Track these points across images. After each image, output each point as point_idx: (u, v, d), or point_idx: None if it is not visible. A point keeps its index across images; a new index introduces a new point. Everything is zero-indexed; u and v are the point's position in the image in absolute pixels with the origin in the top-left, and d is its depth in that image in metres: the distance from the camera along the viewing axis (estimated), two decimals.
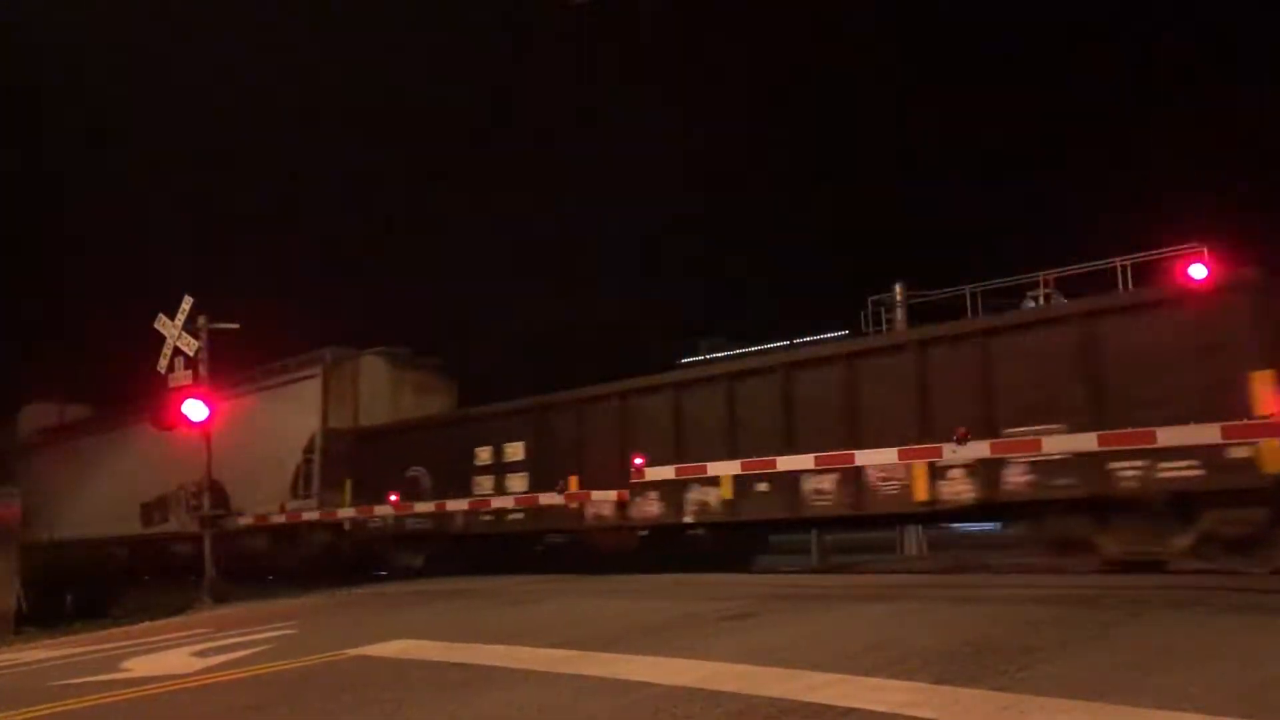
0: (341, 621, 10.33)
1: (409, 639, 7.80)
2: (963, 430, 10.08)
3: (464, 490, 15.06)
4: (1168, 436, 8.91)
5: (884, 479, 10.91)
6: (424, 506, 15.40)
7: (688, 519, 12.56)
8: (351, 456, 17.16)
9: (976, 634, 6.14)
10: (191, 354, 14.80)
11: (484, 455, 15.03)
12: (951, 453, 10.22)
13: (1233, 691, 4.28)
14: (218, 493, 15.15)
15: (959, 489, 10.32)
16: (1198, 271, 11.47)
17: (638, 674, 5.49)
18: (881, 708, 4.30)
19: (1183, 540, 9.17)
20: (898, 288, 17.06)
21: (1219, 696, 4.16)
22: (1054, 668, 4.98)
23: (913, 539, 18.59)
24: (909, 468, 10.57)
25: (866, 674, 5.01)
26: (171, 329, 15.01)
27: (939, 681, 4.75)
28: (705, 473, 12.24)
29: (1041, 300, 14.07)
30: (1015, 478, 9.91)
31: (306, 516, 16.96)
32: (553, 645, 6.77)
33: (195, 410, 14.51)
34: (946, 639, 6.01)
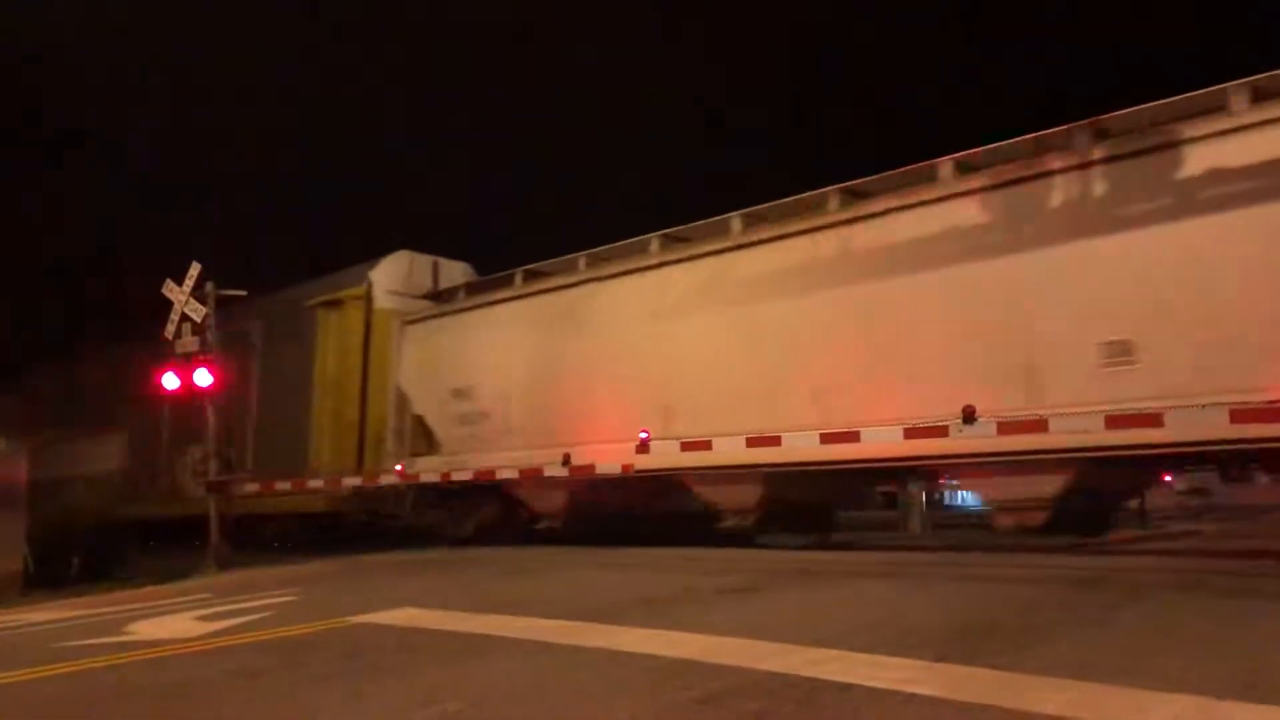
0: (344, 589, 10.39)
1: (411, 607, 7.84)
2: (970, 406, 9.93)
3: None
4: None
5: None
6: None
7: None
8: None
9: (978, 613, 6.16)
10: (199, 320, 14.81)
11: None
12: (958, 432, 10.07)
13: (1232, 674, 4.27)
14: (225, 457, 15.18)
15: None
16: None
17: (637, 645, 5.51)
18: (880, 684, 4.31)
19: None
20: None
21: (1218, 679, 4.15)
22: (1054, 648, 4.98)
23: (916, 517, 18.63)
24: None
25: (866, 650, 5.02)
26: (179, 295, 15.01)
27: (939, 659, 4.76)
28: None
29: None
30: None
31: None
32: (553, 616, 6.80)
33: (202, 376, 14.54)
34: (947, 617, 6.02)
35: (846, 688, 4.30)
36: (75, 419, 24.30)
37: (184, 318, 14.96)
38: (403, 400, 16.69)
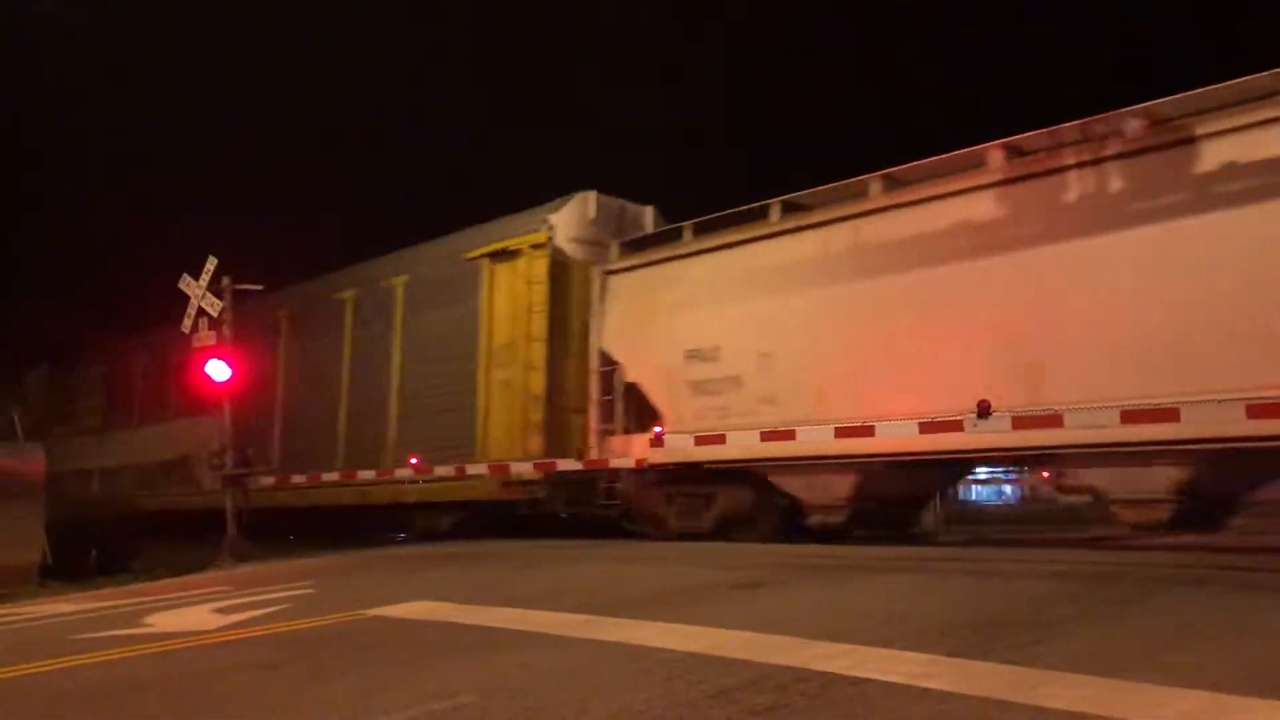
0: (359, 582, 10.44)
1: (426, 600, 7.88)
2: (984, 400, 9.80)
3: None
4: None
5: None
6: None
7: None
8: None
9: (991, 607, 6.15)
10: (215, 314, 14.90)
11: None
12: (972, 426, 9.99)
13: (1247, 670, 4.26)
14: (241, 451, 15.27)
15: None
16: None
17: (651, 640, 5.52)
18: (893, 678, 4.31)
19: None
20: None
21: (1233, 674, 4.14)
22: (1068, 643, 4.97)
23: (930, 512, 18.58)
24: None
25: (879, 645, 5.02)
26: (196, 289, 15.10)
27: (952, 654, 4.75)
28: None
29: None
30: None
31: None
32: (567, 610, 6.82)
33: (218, 370, 14.64)
34: (961, 612, 6.01)
35: (859, 682, 4.30)
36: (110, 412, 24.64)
37: (200, 312, 15.06)
38: (609, 366, 14.21)
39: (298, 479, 18.13)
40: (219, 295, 14.95)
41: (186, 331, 15.25)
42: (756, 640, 5.35)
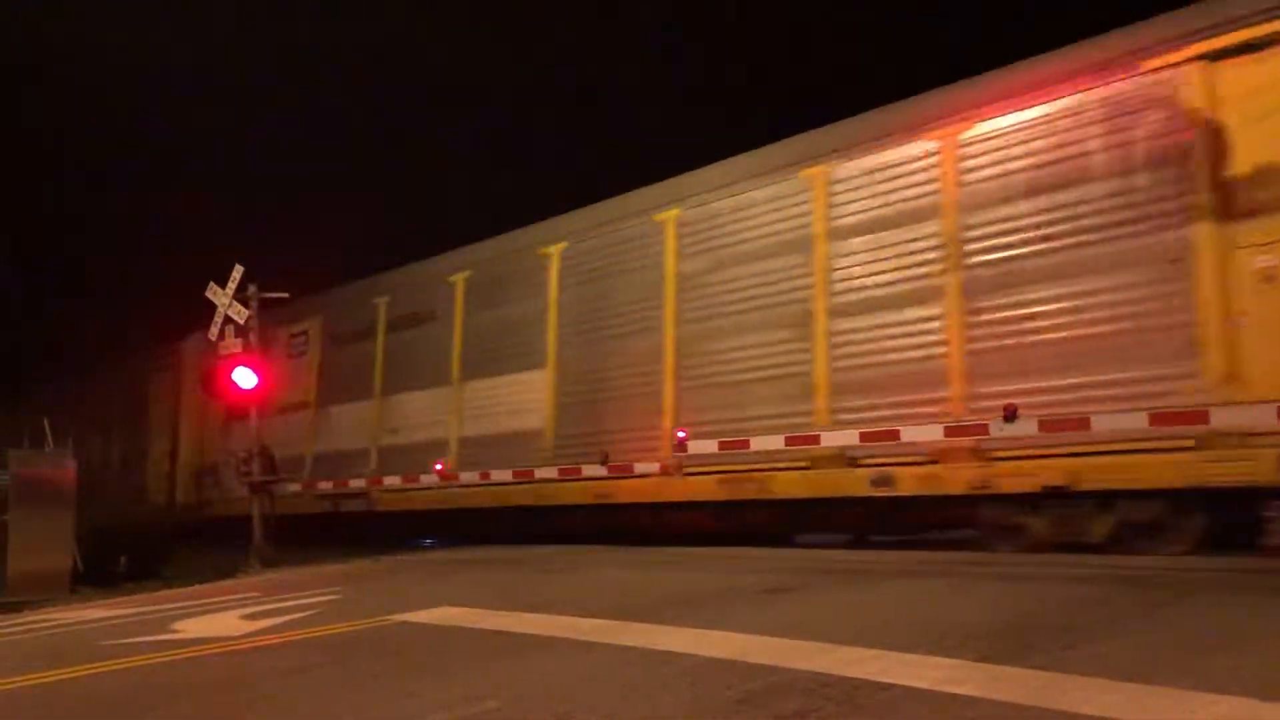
0: (385, 588, 10.49)
1: (451, 606, 7.91)
2: (1011, 405, 9.57)
3: None
4: None
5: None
6: None
7: None
8: None
9: (1019, 612, 6.10)
10: (241, 322, 15.02)
11: None
12: (999, 430, 9.79)
13: None
14: (266, 458, 15.38)
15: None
16: None
17: (676, 645, 5.52)
18: (920, 684, 4.29)
19: None
20: None
21: (1266, 680, 4.09)
22: (1097, 647, 4.93)
23: None
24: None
25: (906, 650, 5.00)
26: (222, 297, 15.23)
27: (980, 659, 4.72)
28: None
29: None
30: None
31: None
32: (592, 615, 6.83)
33: (245, 378, 14.75)
34: (988, 616, 5.97)
35: (886, 687, 4.28)
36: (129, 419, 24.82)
37: (226, 320, 15.19)
38: None
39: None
40: (245, 303, 15.07)
41: (213, 340, 15.39)
42: (783, 645, 5.34)
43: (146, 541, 14.16)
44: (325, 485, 18.18)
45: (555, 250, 15.03)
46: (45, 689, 5.87)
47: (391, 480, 16.84)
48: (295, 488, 17.75)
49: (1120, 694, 4.00)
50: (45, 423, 13.34)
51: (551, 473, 14.22)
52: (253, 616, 8.28)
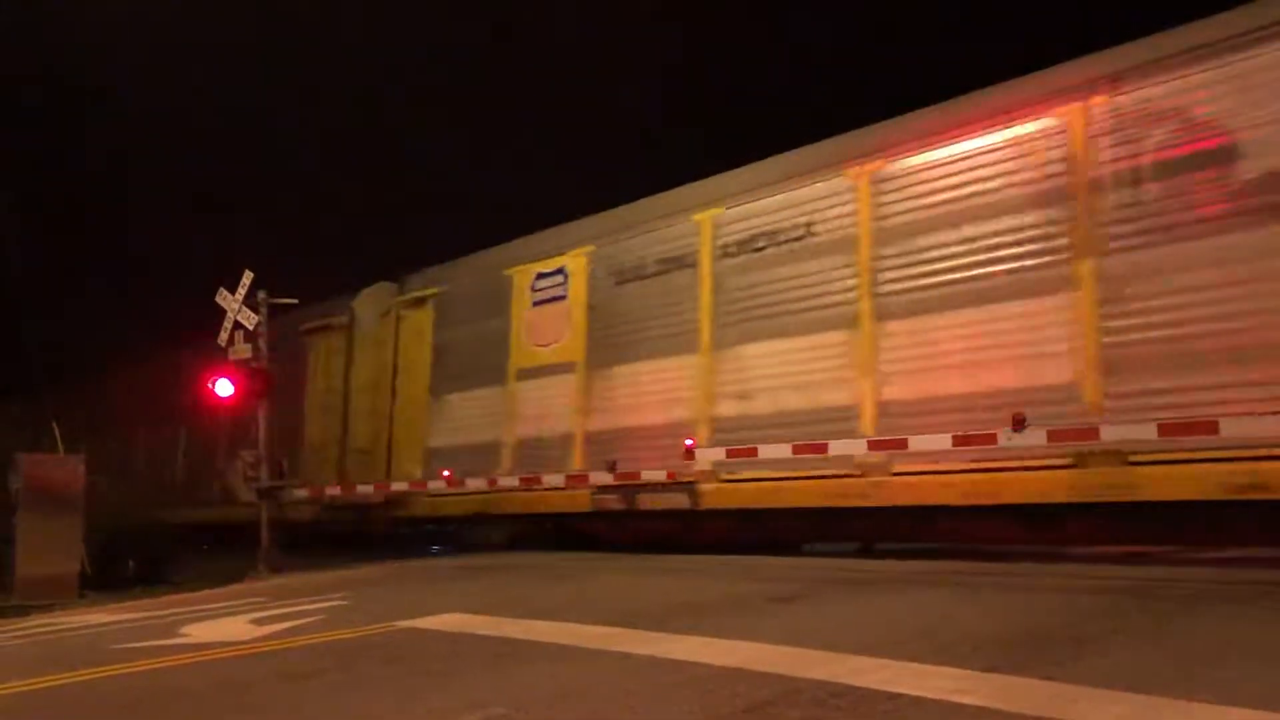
0: (393, 593, 10.50)
1: (458, 612, 7.90)
2: (1020, 414, 9.44)
3: None
4: None
5: None
6: None
7: None
8: None
9: (1027, 622, 6.09)
10: (251, 328, 15.08)
11: None
12: (1007, 440, 9.62)
13: None
14: (276, 463, 15.41)
15: None
16: None
17: (684, 653, 5.51)
18: (927, 693, 4.28)
19: None
20: None
21: (1276, 692, 4.07)
22: (1106, 658, 4.91)
23: None
24: None
25: (913, 659, 4.98)
26: (232, 303, 15.29)
27: (987, 669, 4.71)
28: None
29: None
30: None
31: None
32: (599, 622, 6.82)
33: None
34: (996, 626, 5.96)
35: (893, 697, 4.27)
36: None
37: (236, 325, 15.24)
38: None
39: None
40: (254, 309, 15.13)
41: (222, 345, 15.44)
42: (790, 654, 5.33)
43: (155, 545, 14.19)
44: (601, 476, 13.39)
45: None
46: (50, 693, 5.89)
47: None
48: (303, 493, 17.58)
49: (1128, 705, 3.99)
50: (54, 426, 13.38)
51: None
52: (260, 621, 8.29)
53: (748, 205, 12.75)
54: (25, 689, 5.95)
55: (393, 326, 17.73)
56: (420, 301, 17.29)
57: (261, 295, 15.21)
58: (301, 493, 17.49)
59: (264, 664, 6.33)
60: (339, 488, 17.28)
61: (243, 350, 15.13)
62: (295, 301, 15.78)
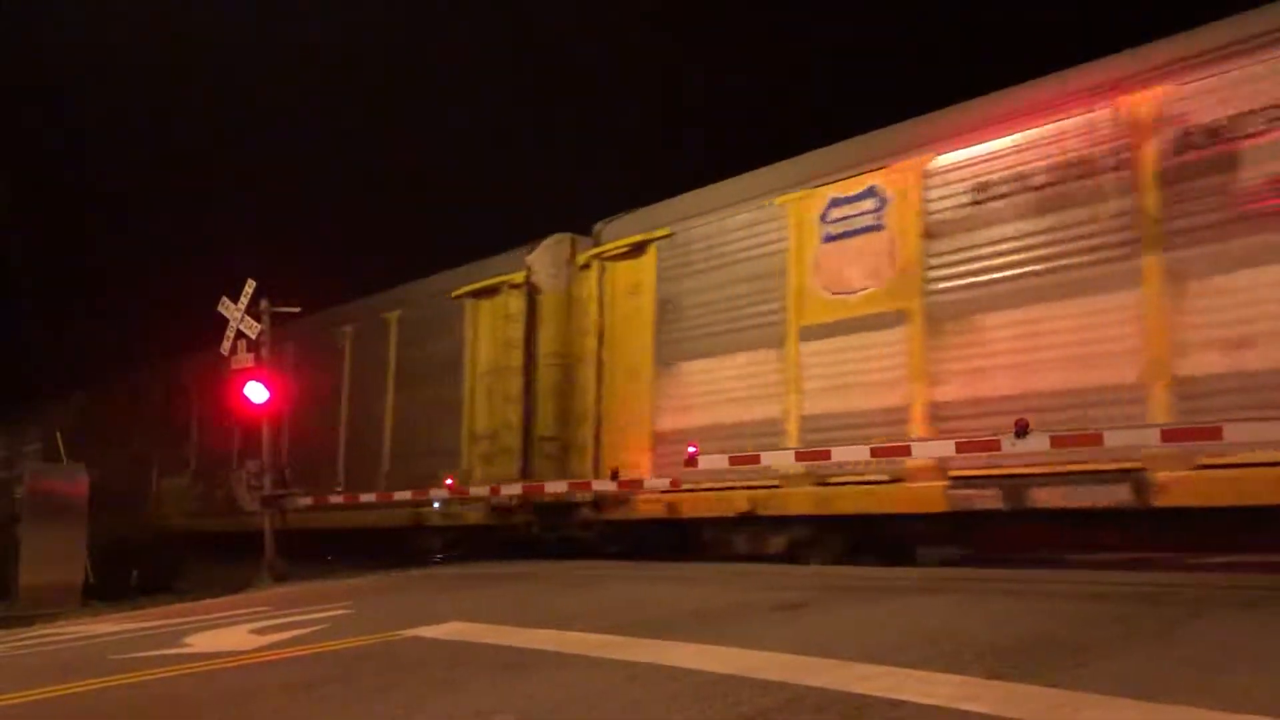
0: (396, 603, 10.48)
1: (461, 621, 7.88)
2: (1023, 419, 9.32)
3: None
4: None
5: None
6: None
7: None
8: None
9: (1032, 628, 6.05)
10: (254, 337, 15.09)
11: None
12: (1010, 446, 9.62)
13: None
14: (279, 472, 15.40)
15: None
16: None
17: (687, 661, 5.48)
18: (931, 700, 4.25)
19: None
20: None
21: None
22: (1112, 665, 4.88)
23: None
24: None
25: (917, 666, 4.95)
26: (234, 312, 15.31)
27: (992, 676, 4.67)
28: None
29: None
30: None
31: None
32: (602, 630, 6.80)
33: (256, 392, 14.82)
34: (1001, 633, 5.92)
35: (897, 704, 4.24)
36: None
37: (239, 334, 15.27)
38: None
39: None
40: (257, 318, 15.15)
41: (225, 354, 15.46)
42: (793, 661, 5.30)
43: (158, 554, 14.21)
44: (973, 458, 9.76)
45: None
46: (53, 703, 5.87)
47: None
48: (308, 501, 17.31)
49: (1135, 712, 3.96)
50: (57, 436, 13.40)
51: None
52: (263, 631, 8.27)
53: None
54: (24, 700, 5.94)
55: (593, 282, 14.29)
56: (637, 250, 13.62)
57: (264, 304, 15.23)
58: (480, 490, 14.69)
59: (267, 674, 6.31)
60: (519, 485, 14.34)
61: (245, 359, 15.15)
62: (298, 309, 15.79)
